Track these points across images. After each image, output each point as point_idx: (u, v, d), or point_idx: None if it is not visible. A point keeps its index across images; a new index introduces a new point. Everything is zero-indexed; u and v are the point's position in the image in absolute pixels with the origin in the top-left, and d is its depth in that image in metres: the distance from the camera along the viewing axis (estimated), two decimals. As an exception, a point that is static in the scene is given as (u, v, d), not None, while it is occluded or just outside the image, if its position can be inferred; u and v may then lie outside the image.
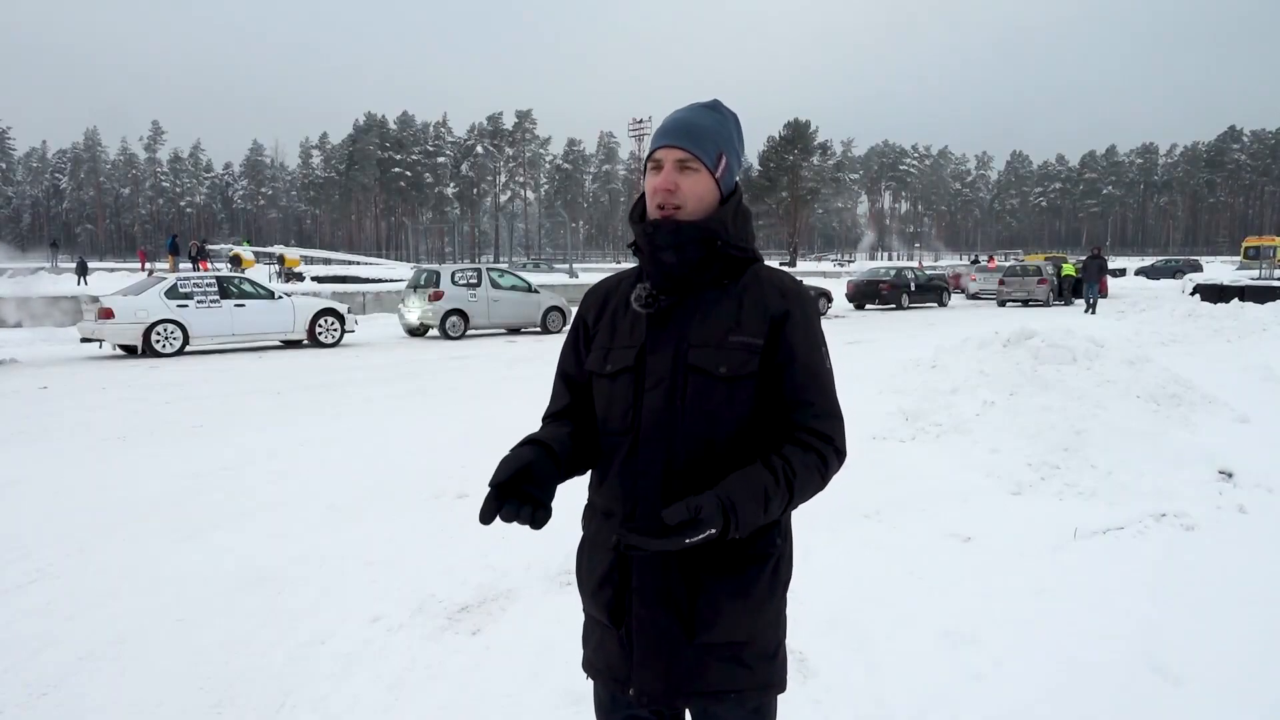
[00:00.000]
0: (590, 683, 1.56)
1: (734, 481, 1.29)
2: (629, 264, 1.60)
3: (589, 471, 1.54)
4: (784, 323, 1.40)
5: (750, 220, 1.51)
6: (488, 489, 1.31)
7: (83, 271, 31.25)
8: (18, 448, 6.43)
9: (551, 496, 1.37)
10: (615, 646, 1.45)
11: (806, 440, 1.38)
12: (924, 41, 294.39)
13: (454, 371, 11.29)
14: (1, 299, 17.16)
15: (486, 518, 1.30)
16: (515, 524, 1.30)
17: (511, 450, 1.40)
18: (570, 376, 1.58)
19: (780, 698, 1.52)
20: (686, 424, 1.38)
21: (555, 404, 1.60)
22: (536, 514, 1.32)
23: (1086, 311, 20.87)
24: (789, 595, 1.54)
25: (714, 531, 1.23)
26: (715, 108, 1.49)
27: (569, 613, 3.26)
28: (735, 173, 1.49)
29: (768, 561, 1.42)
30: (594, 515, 1.52)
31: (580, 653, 1.55)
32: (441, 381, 10.25)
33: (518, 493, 1.33)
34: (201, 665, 2.91)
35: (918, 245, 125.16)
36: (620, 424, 1.43)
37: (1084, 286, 23.16)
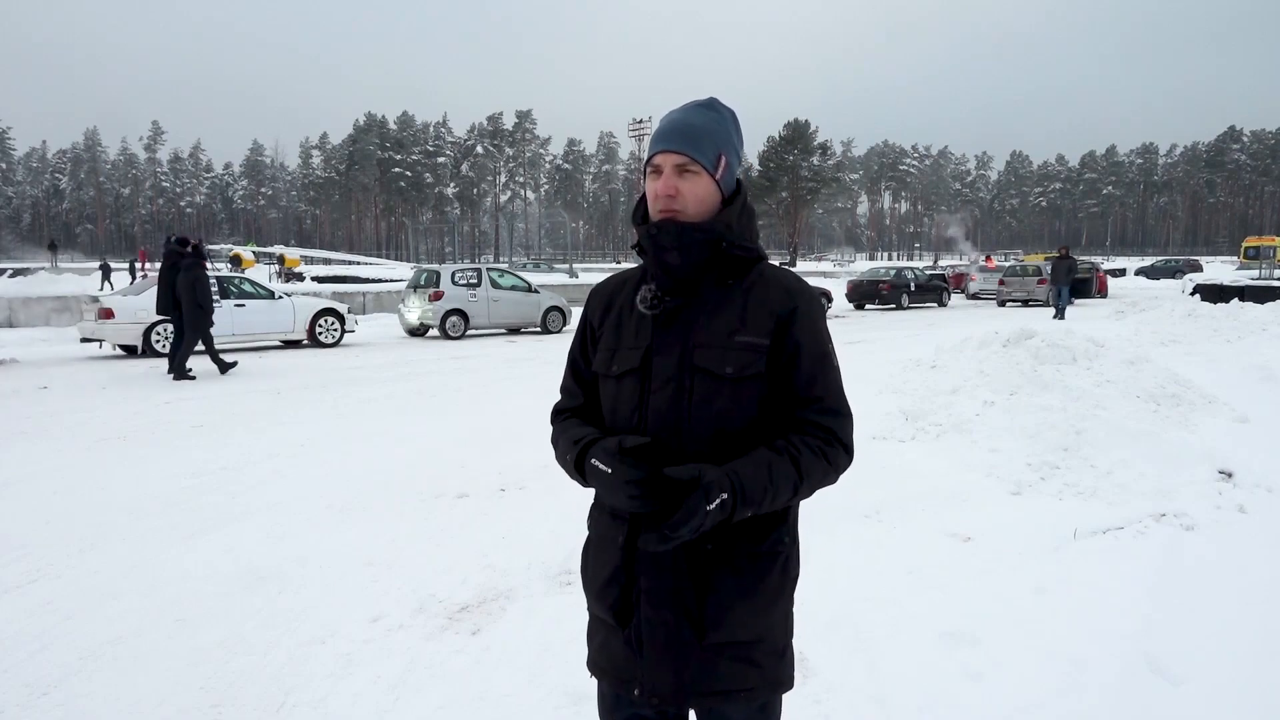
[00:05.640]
0: (593, 681, 1.55)
1: (736, 461, 1.32)
2: (629, 264, 1.60)
3: None
4: (790, 321, 1.39)
5: (754, 218, 1.50)
6: (622, 456, 1.32)
7: (106, 275, 31.10)
8: (18, 448, 6.43)
9: None
10: (620, 646, 1.45)
11: (811, 431, 1.39)
12: (924, 41, 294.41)
13: (454, 371, 11.28)
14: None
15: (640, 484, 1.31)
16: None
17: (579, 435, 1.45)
18: (582, 375, 1.59)
19: (781, 697, 1.52)
20: (693, 425, 1.38)
21: (568, 401, 1.60)
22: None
23: (1055, 317, 18.12)
24: (792, 594, 1.54)
25: (725, 497, 1.24)
26: (712, 106, 1.47)
27: (569, 613, 3.26)
28: (735, 171, 1.47)
29: (776, 560, 1.42)
30: (601, 514, 1.52)
31: (582, 651, 1.55)
32: (441, 381, 10.24)
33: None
34: (201, 665, 2.91)
35: (917, 245, 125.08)
36: (627, 425, 1.43)
37: (1050, 291, 20.83)
